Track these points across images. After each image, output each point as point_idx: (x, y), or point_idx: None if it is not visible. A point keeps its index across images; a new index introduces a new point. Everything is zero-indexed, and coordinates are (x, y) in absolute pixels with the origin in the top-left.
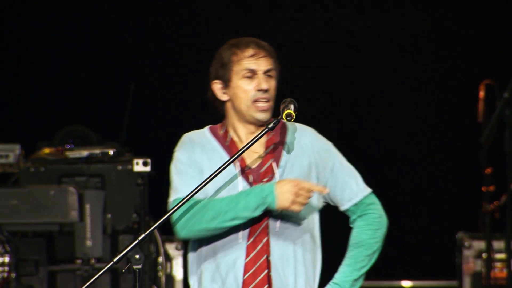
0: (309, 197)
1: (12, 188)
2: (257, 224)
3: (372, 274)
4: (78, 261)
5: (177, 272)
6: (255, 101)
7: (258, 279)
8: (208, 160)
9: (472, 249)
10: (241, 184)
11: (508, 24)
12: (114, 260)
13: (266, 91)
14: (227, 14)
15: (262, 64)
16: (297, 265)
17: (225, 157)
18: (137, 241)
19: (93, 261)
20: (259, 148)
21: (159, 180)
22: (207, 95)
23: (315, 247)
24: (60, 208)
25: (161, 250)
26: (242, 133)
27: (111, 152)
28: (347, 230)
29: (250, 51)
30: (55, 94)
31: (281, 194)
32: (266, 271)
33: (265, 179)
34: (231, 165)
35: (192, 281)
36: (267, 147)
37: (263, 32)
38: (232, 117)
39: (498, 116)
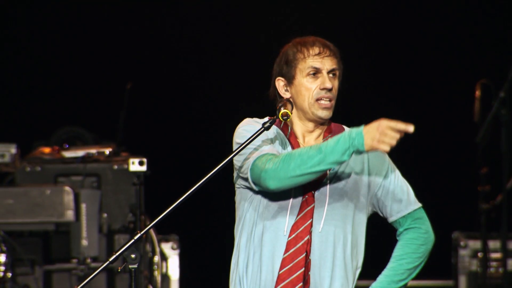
0: (396, 137)
1: (8, 188)
2: (302, 221)
3: (368, 274)
4: (74, 261)
5: (173, 272)
6: (318, 99)
7: (293, 276)
8: (271, 142)
9: (468, 249)
10: None
11: (504, 23)
12: (110, 259)
13: (329, 90)
14: (223, 15)
15: (327, 63)
16: (334, 268)
17: (288, 145)
18: (133, 240)
19: (88, 260)
20: None
21: (155, 179)
22: (269, 91)
23: (357, 253)
24: (56, 208)
25: (157, 250)
26: (299, 130)
27: (107, 152)
28: (394, 241)
29: (315, 50)
30: (51, 93)
31: (367, 134)
32: (302, 270)
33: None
34: None
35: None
36: None
37: (256, 32)
38: (292, 113)
39: (494, 115)
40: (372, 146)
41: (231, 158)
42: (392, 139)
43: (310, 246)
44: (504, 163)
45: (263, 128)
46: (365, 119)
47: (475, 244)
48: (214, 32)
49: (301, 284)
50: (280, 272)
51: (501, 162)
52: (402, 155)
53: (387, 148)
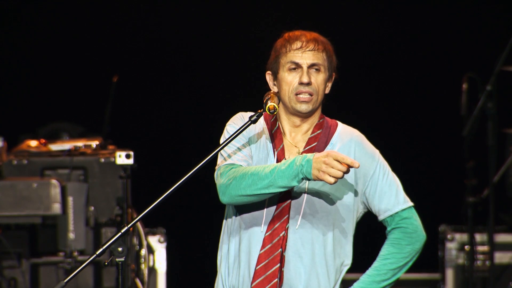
0: (342, 170)
1: None
2: (278, 217)
3: (356, 267)
4: (61, 254)
5: (160, 265)
6: (297, 93)
7: (269, 272)
8: (254, 140)
9: (455, 242)
10: None
11: (490, 16)
12: (97, 252)
13: (307, 84)
14: (210, 6)
15: (307, 57)
16: (314, 265)
17: (269, 144)
18: (120, 233)
19: (75, 253)
20: (300, 143)
21: (142, 172)
22: (266, 85)
23: (342, 251)
24: (42, 201)
25: (144, 243)
26: (285, 124)
27: (93, 145)
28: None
29: (297, 44)
30: (37, 86)
31: (315, 163)
32: (278, 265)
33: None
34: (271, 155)
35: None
36: (308, 144)
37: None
38: (280, 108)
39: (480, 109)
40: (317, 176)
41: (217, 153)
42: (337, 172)
43: (286, 242)
44: (490, 157)
45: (249, 122)
46: (351, 113)
47: (462, 237)
48: (200, 24)
49: (276, 280)
50: (257, 268)
51: (487, 155)
52: (388, 148)
53: (332, 180)
